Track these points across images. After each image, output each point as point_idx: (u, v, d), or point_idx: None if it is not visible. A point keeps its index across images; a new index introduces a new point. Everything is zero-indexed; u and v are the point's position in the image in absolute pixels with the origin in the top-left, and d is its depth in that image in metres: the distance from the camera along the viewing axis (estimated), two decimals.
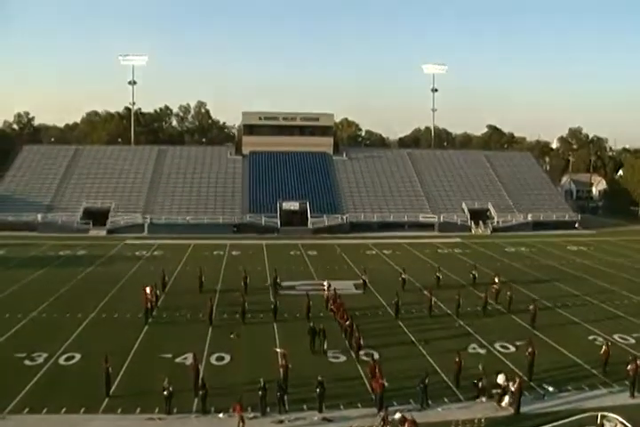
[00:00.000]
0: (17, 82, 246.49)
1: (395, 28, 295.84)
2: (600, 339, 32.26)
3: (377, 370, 24.88)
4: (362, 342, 30.08)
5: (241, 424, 21.65)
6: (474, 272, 47.78)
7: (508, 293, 39.76)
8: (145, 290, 38.10)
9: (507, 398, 24.01)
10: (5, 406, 23.58)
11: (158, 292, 40.91)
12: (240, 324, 35.45)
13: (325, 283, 42.16)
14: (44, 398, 24.53)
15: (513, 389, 23.76)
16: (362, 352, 29.48)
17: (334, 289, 40.14)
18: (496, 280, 43.78)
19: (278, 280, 45.03)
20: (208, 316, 35.68)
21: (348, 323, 32.61)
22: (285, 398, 23.95)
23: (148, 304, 37.11)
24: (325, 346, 30.80)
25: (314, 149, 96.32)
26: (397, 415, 21.80)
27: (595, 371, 28.08)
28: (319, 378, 24.04)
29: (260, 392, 23.42)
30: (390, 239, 72.24)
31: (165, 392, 23.41)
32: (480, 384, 24.83)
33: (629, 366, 25.79)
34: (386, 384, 23.93)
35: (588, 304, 41.33)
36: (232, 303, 38.42)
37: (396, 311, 37.43)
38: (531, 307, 36.47)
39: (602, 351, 28.34)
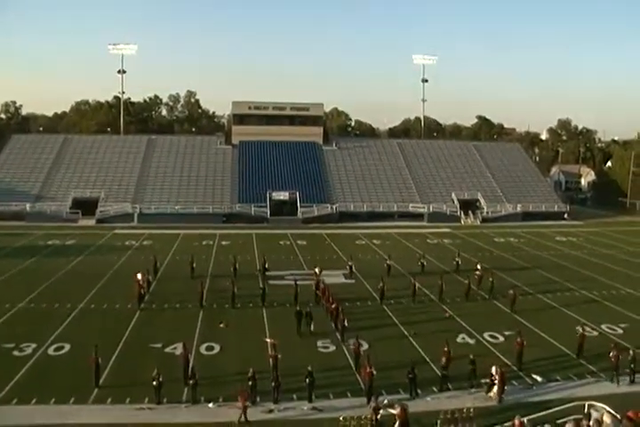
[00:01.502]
0: (4, 71, 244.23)
1: (384, 19, 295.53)
2: (588, 329, 32.47)
3: (366, 360, 25.04)
4: (346, 324, 31.12)
5: (242, 415, 21.88)
6: (457, 259, 49.04)
7: (490, 279, 40.86)
8: (136, 276, 38.52)
9: (495, 389, 24.15)
10: None
11: (150, 278, 41.62)
12: (230, 311, 35.80)
13: (317, 269, 42.90)
14: (33, 388, 24.48)
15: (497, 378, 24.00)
16: (349, 340, 29.65)
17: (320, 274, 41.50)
18: (478, 267, 45.17)
19: (267, 266, 45.97)
20: (199, 300, 36.48)
21: (333, 306, 33.62)
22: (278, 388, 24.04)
23: (141, 291, 37.46)
24: (312, 328, 31.85)
25: (304, 139, 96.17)
26: (386, 401, 22.00)
27: (582, 361, 28.30)
28: (308, 368, 24.11)
29: (249, 382, 23.48)
30: (380, 229, 72.37)
31: (155, 382, 23.40)
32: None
33: (611, 353, 26.29)
34: (374, 373, 24.05)
35: (576, 294, 41.59)
36: (222, 290, 38.81)
37: (380, 297, 38.39)
38: (510, 292, 37.93)
39: (577, 334, 29.22)
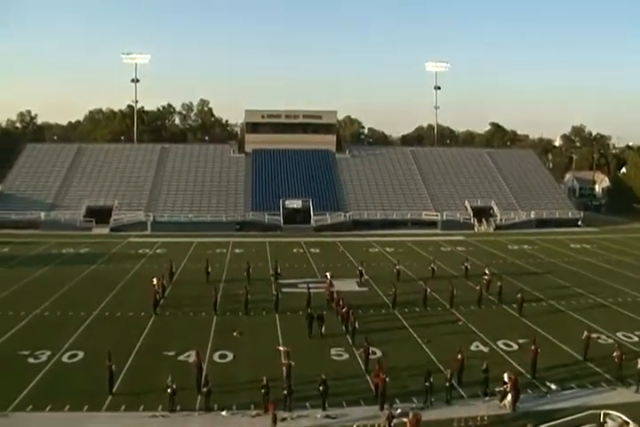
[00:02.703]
0: (20, 80, 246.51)
1: (397, 26, 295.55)
2: (603, 337, 32.22)
3: (378, 366, 24.99)
4: (357, 326, 31.74)
5: (272, 424, 21.85)
6: (466, 264, 49.35)
7: (499, 283, 41.23)
8: (152, 281, 39.50)
9: (509, 397, 23.98)
10: (9, 404, 23.61)
11: (165, 282, 42.56)
12: (243, 318, 36.01)
13: (328, 274, 43.45)
14: (48, 395, 24.56)
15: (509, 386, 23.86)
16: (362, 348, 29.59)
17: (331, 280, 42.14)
18: (486, 271, 45.35)
19: (279, 271, 46.79)
20: (213, 307, 37.01)
21: (344, 310, 34.26)
22: (291, 396, 24.00)
23: (156, 296, 38.15)
24: (323, 330, 32.45)
25: (317, 147, 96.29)
26: (399, 410, 21.94)
27: (598, 369, 28.05)
28: (322, 376, 24.09)
29: (262, 390, 23.46)
30: (393, 237, 72.24)
31: (169, 390, 23.43)
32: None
33: (615, 353, 26.69)
34: (387, 379, 23.98)
35: (591, 302, 41.28)
36: (235, 298, 39.09)
37: (393, 303, 38.60)
38: (518, 296, 38.12)
39: (583, 337, 29.40)
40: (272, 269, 48.00)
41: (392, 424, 21.25)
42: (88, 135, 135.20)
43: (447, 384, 24.46)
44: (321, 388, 23.94)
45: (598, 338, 28.96)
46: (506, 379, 24.27)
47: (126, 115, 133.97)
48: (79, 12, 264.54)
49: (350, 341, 31.53)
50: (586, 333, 29.80)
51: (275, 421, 21.94)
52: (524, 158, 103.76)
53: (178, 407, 23.51)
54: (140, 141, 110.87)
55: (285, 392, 23.75)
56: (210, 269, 46.55)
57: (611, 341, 31.64)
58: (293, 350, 27.36)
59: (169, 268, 47.11)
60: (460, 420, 21.57)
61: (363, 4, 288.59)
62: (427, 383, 24.17)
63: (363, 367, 27.81)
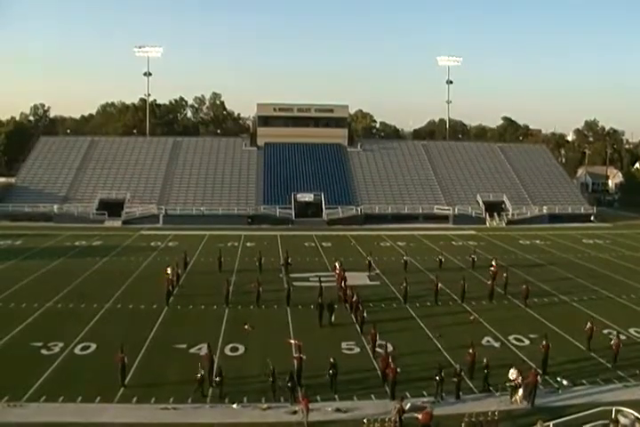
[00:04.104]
0: (33, 74, 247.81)
1: (409, 20, 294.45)
2: (614, 333, 32.09)
3: (388, 357, 25.25)
4: (365, 316, 32.82)
5: (305, 417, 21.93)
6: (473, 256, 50.32)
7: (505, 274, 41.82)
8: (166, 270, 40.31)
9: (520, 393, 23.91)
10: (22, 395, 23.81)
11: (180, 271, 43.66)
12: (254, 311, 36.23)
13: (337, 263, 44.59)
14: (61, 386, 24.73)
15: (521, 382, 23.79)
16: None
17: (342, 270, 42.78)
18: (493, 263, 45.91)
19: (290, 261, 47.85)
20: (224, 300, 37.31)
21: (354, 299, 35.11)
22: (298, 389, 24.05)
23: (170, 286, 38.95)
24: (333, 319, 33.52)
25: (328, 141, 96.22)
26: (409, 405, 22.00)
27: (609, 365, 27.94)
28: (331, 360, 24.61)
29: (270, 378, 23.84)
30: (404, 231, 72.17)
31: (198, 375, 23.79)
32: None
33: (612, 342, 27.81)
34: (398, 370, 24.12)
35: (604, 298, 41.10)
36: (247, 290, 39.28)
37: (404, 297, 38.75)
38: (523, 287, 38.99)
39: (586, 328, 29.94)
40: (282, 259, 49.10)
41: (402, 418, 21.26)
42: (101, 129, 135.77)
43: (454, 379, 24.36)
44: (331, 371, 24.40)
45: (610, 334, 28.99)
46: (512, 376, 24.18)
47: (139, 108, 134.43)
48: (92, 5, 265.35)
49: (359, 329, 32.44)
50: (589, 324, 30.20)
51: (307, 413, 21.96)
52: (537, 153, 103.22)
53: (189, 400, 23.63)
54: (152, 135, 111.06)
55: (289, 385, 23.85)
56: (222, 259, 47.94)
57: (623, 337, 31.43)
58: (304, 343, 27.44)
59: (183, 258, 48.12)
60: (471, 415, 21.53)
61: None
62: (437, 378, 24.19)
63: (370, 354, 28.64)
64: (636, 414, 19.42)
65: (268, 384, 23.88)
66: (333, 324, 33.53)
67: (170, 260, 49.63)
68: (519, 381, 23.94)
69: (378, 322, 31.51)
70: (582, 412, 21.11)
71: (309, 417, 21.95)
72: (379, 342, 28.99)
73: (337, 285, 40.72)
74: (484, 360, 25.31)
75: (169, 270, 40.79)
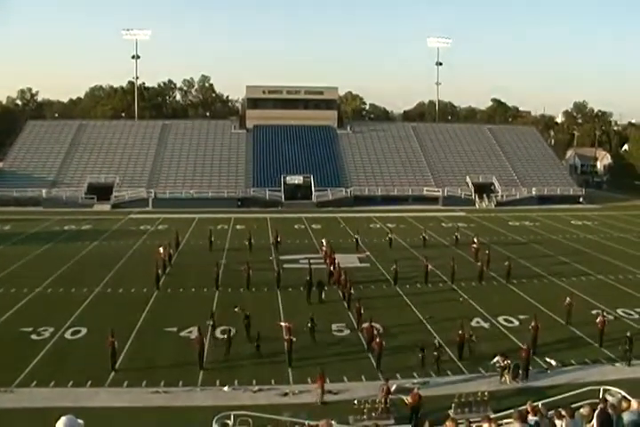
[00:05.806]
0: (19, 57, 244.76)
1: (399, 1, 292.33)
2: (600, 311, 32.34)
3: (372, 329, 26.75)
4: (352, 292, 34.08)
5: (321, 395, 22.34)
6: (456, 234, 52.87)
7: (487, 251, 43.47)
8: (159, 250, 41.51)
9: (507, 376, 24.22)
10: (13, 380, 23.84)
11: (172, 251, 44.75)
12: (245, 294, 36.34)
13: (324, 241, 46.07)
14: (51, 371, 24.79)
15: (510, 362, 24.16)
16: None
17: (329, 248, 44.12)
18: (475, 240, 47.97)
19: (279, 239, 49.12)
20: (214, 282, 37.62)
21: (342, 277, 36.35)
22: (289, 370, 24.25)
23: (162, 265, 39.93)
24: (323, 296, 34.77)
25: (318, 123, 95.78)
26: (395, 386, 22.19)
27: (597, 344, 28.22)
28: (310, 315, 27.57)
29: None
30: (394, 213, 72.23)
31: (225, 336, 25.93)
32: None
33: (598, 319, 28.60)
34: (384, 343, 24.88)
35: (592, 278, 41.40)
36: (236, 270, 39.48)
37: (394, 279, 39.03)
38: (506, 263, 40.42)
39: (565, 302, 31.35)
40: (272, 238, 50.48)
41: (388, 400, 21.43)
42: (89, 112, 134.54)
43: (435, 353, 25.07)
44: (309, 324, 27.32)
45: (598, 315, 29.24)
46: (496, 360, 24.45)
47: (127, 91, 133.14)
48: None
49: (346, 305, 33.52)
50: (568, 299, 31.51)
51: (322, 393, 22.34)
52: (526, 135, 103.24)
53: (180, 383, 23.73)
54: (140, 118, 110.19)
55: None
56: (213, 239, 49.35)
57: (611, 317, 31.70)
58: (294, 325, 27.54)
59: (175, 238, 49.25)
60: (461, 395, 21.71)
61: None
62: (420, 355, 24.93)
63: (355, 325, 30.04)
64: (623, 393, 19.58)
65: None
66: (323, 301, 34.49)
67: (160, 243, 49.58)
68: (508, 362, 24.18)
69: (368, 304, 31.75)
70: (571, 391, 21.35)
71: (323, 398, 22.46)
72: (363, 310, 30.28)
73: (326, 264, 40.94)
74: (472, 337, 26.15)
75: (161, 250, 41.81)
